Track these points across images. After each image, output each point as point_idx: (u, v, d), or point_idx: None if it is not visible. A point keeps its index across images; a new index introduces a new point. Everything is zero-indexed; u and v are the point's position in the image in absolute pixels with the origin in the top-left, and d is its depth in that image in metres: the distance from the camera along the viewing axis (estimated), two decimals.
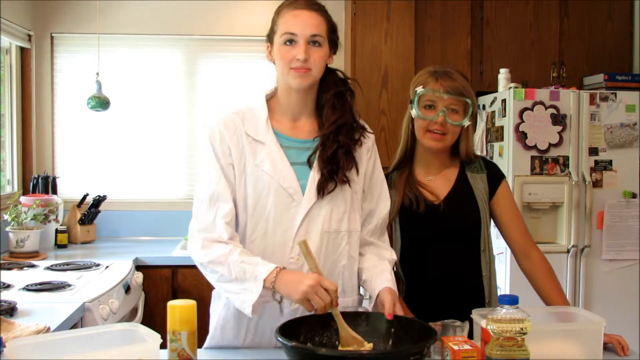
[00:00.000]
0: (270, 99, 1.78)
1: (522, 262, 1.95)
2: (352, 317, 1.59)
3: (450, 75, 1.87)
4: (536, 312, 1.62)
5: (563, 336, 1.56)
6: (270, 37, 1.72)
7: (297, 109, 1.75)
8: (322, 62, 1.68)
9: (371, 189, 1.80)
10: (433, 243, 1.92)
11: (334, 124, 1.70)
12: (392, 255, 1.79)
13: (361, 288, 1.82)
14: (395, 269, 1.79)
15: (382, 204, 1.81)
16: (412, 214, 1.91)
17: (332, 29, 1.72)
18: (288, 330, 1.47)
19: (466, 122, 1.88)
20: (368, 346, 1.52)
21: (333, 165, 1.68)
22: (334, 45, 1.73)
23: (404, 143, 1.98)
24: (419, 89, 1.88)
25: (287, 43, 1.66)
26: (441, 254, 1.91)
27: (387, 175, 1.95)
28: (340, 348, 1.52)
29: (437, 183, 1.96)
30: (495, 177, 1.97)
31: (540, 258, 1.94)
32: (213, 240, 1.63)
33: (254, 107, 1.75)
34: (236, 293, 1.60)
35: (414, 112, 1.89)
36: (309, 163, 1.71)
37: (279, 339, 1.40)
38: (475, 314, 1.60)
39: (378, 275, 1.70)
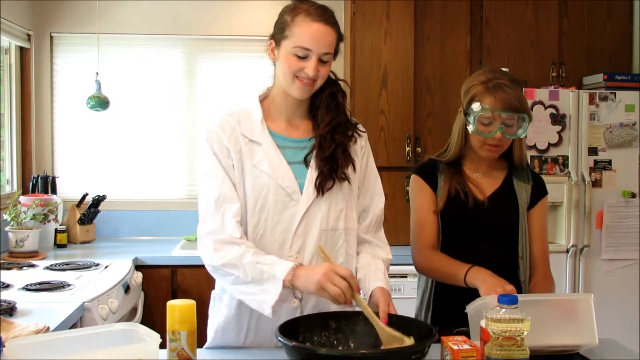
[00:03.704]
0: (263, 99, 1.78)
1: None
2: (350, 317, 1.59)
3: (504, 88, 1.85)
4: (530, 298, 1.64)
5: (553, 314, 1.57)
6: (277, 38, 1.70)
7: (293, 111, 1.77)
8: (326, 75, 1.70)
9: (365, 186, 1.82)
10: (473, 239, 1.92)
11: (329, 124, 1.72)
12: (387, 255, 1.81)
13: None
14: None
15: (376, 200, 1.83)
16: (456, 206, 1.92)
17: (339, 41, 1.72)
18: (287, 330, 1.47)
19: (522, 134, 1.90)
20: (409, 341, 1.45)
21: (332, 164, 1.70)
22: (336, 53, 1.74)
23: (457, 149, 1.97)
24: (476, 107, 1.87)
25: (299, 55, 1.65)
26: (480, 250, 1.90)
27: (435, 162, 1.99)
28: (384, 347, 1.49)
29: (484, 181, 1.98)
30: (539, 190, 2.01)
31: (547, 277, 1.95)
32: (225, 242, 1.62)
33: (248, 109, 1.75)
34: (253, 294, 1.59)
35: (471, 127, 1.90)
36: (306, 162, 1.72)
37: (279, 338, 1.40)
38: (472, 313, 1.61)
39: (372, 274, 1.71)
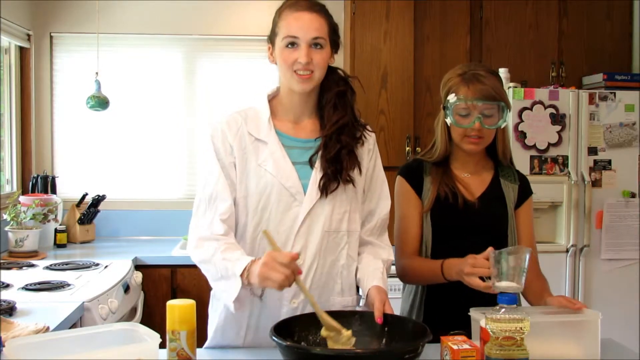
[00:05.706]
0: (272, 99, 1.79)
1: None
2: (347, 316, 1.60)
3: (480, 78, 1.84)
4: (534, 311, 1.63)
5: (559, 330, 1.56)
6: (271, 39, 1.72)
7: (299, 109, 1.76)
8: (324, 64, 1.69)
9: (371, 189, 1.81)
10: (463, 239, 1.90)
11: (335, 125, 1.71)
12: (388, 256, 1.81)
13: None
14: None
15: (383, 203, 1.82)
16: (446, 207, 1.91)
17: (333, 30, 1.72)
18: (283, 329, 1.47)
19: (502, 124, 1.89)
20: (347, 333, 1.51)
21: (337, 165, 1.69)
22: (335, 45, 1.73)
23: (442, 147, 1.96)
24: (452, 98, 1.86)
25: (289, 46, 1.66)
26: (470, 251, 1.86)
27: (420, 162, 1.98)
28: (322, 332, 1.52)
29: (473, 181, 1.96)
30: (525, 190, 2.00)
31: (539, 275, 1.93)
32: (206, 239, 1.64)
33: (256, 107, 1.76)
34: (223, 291, 1.62)
35: (449, 120, 1.89)
36: (311, 163, 1.72)
37: (273, 338, 1.40)
38: (474, 313, 1.61)
39: (370, 273, 1.72)
